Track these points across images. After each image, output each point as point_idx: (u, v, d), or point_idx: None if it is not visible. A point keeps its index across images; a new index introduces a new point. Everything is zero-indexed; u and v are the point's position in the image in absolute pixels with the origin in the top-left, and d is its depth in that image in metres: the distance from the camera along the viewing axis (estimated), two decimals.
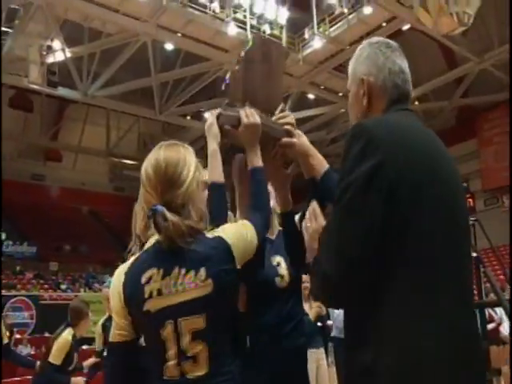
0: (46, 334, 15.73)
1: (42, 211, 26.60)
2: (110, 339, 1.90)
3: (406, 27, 19.64)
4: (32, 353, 14.85)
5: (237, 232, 1.71)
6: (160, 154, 1.72)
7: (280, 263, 2.47)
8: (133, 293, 1.64)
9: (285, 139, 2.23)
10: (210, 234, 1.66)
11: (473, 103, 23.75)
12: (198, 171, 1.75)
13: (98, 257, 24.33)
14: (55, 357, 4.51)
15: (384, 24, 18.95)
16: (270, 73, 2.38)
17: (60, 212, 27.41)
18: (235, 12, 19.50)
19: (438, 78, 21.68)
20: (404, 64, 1.62)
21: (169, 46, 20.51)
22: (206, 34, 18.77)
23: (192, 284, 1.58)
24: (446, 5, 11.75)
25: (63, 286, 22.69)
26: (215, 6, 19.10)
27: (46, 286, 22.43)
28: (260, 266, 2.38)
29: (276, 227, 2.61)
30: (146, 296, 1.60)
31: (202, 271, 1.58)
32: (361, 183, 1.31)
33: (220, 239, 1.65)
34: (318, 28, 19.93)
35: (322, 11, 20.13)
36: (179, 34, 19.04)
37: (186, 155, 1.75)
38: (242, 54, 2.52)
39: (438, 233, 1.33)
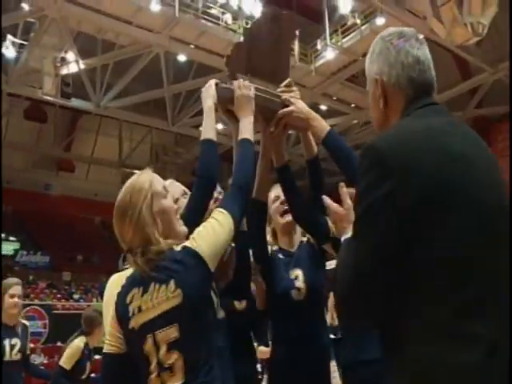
0: (59, 344, 15.72)
1: (55, 221, 26.74)
2: (105, 350, 1.96)
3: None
4: (45, 362, 14.92)
5: (208, 235, 1.76)
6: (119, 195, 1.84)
7: (298, 276, 2.48)
8: (122, 312, 1.78)
9: (282, 110, 2.27)
10: (178, 247, 1.73)
11: (487, 114, 23.56)
12: (148, 207, 1.78)
13: (110, 267, 24.22)
14: (65, 363, 4.61)
15: None
16: (279, 40, 2.40)
17: (73, 222, 27.57)
18: (248, 23, 19.55)
19: (451, 89, 21.56)
20: (421, 52, 1.48)
21: (181, 58, 20.59)
22: (218, 45, 18.81)
23: (164, 297, 1.67)
24: (460, 15, 11.64)
25: (76, 296, 22.77)
26: (228, 17, 19.19)
27: (58, 295, 22.51)
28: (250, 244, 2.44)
29: (296, 240, 2.64)
30: (130, 314, 1.73)
31: (172, 283, 1.67)
32: (375, 210, 1.25)
33: (188, 250, 1.72)
34: (331, 39, 19.92)
35: (334, 22, 20.13)
36: (192, 46, 19.10)
37: (132, 194, 1.79)
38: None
39: (467, 244, 1.22)
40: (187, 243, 1.74)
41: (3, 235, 23.55)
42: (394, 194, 1.23)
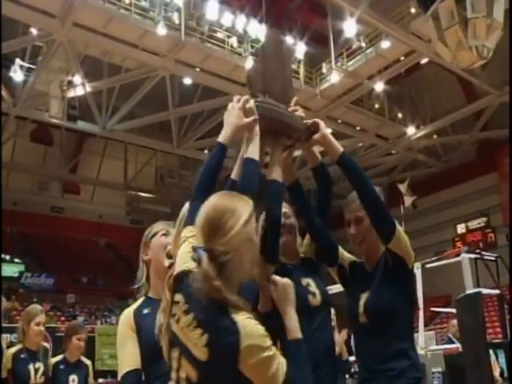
0: None
1: (60, 243, 26.72)
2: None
3: (424, 61, 19.66)
4: None
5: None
6: (213, 199, 1.74)
7: (309, 283, 2.49)
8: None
9: (315, 137, 2.59)
10: (230, 310, 1.58)
11: (493, 136, 23.52)
12: (249, 225, 1.67)
13: (115, 290, 24.26)
14: None
15: (402, 58, 18.98)
16: (283, 65, 2.54)
17: (78, 244, 27.54)
18: (253, 47, 19.70)
19: (457, 112, 21.57)
20: None
21: (187, 81, 20.73)
22: (224, 68, 18.94)
23: (194, 341, 1.59)
24: (465, 39, 11.63)
25: (80, 319, 22.61)
26: (233, 40, 19.34)
27: (62, 318, 22.37)
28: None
29: (298, 256, 2.64)
30: (173, 313, 1.66)
31: (205, 338, 1.56)
32: None
33: (235, 326, 1.55)
34: (336, 62, 20.03)
35: (339, 46, 20.26)
36: (197, 69, 19.23)
37: (238, 206, 1.69)
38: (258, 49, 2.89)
39: None
40: (238, 315, 1.57)
41: (8, 257, 23.52)
42: None
